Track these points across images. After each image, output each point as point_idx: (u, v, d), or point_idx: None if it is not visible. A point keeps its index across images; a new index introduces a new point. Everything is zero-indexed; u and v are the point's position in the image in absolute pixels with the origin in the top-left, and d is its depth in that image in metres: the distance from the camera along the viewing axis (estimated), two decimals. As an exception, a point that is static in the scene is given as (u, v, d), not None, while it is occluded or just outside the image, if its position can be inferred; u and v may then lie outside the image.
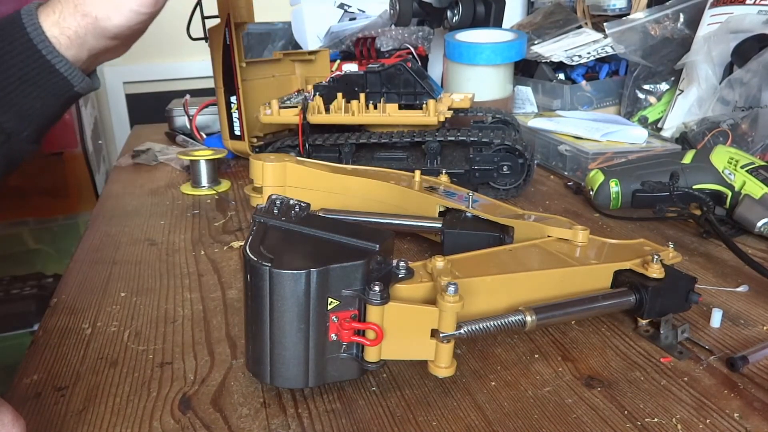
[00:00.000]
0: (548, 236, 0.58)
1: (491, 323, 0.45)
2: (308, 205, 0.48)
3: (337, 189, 0.74)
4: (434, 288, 0.45)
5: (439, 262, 0.48)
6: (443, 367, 0.44)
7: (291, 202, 0.48)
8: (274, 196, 0.49)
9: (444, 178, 0.75)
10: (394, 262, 0.46)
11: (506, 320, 0.46)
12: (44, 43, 0.52)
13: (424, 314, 0.43)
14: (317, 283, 0.41)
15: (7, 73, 0.52)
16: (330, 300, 0.41)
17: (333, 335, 0.42)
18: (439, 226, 0.65)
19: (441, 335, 0.43)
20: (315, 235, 0.45)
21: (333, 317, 0.42)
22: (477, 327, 0.44)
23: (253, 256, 0.42)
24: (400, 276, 0.45)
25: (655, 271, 0.51)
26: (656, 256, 0.52)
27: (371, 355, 0.43)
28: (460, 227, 0.63)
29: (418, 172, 0.74)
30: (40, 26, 0.52)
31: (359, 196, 0.73)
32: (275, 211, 0.47)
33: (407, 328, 0.43)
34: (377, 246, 0.43)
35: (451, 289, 0.42)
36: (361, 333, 0.42)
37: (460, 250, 0.54)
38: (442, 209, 0.68)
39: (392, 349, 0.43)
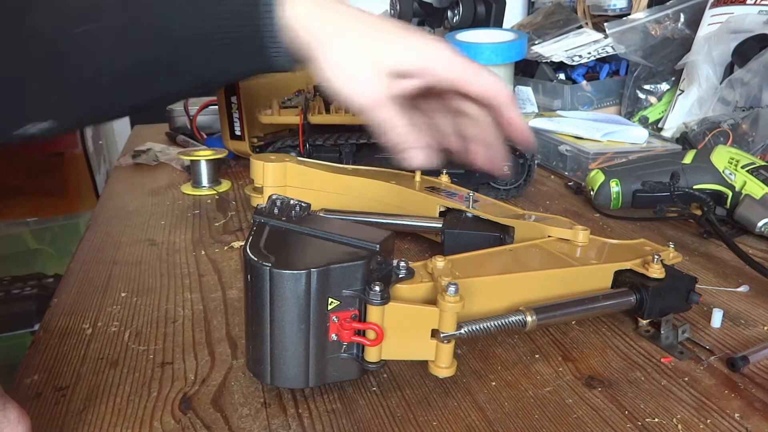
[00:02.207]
0: (549, 236, 0.58)
1: (492, 323, 0.45)
2: (309, 205, 0.48)
3: (338, 189, 0.74)
4: (434, 288, 0.45)
5: (439, 262, 0.48)
6: (443, 367, 0.44)
7: (291, 202, 0.48)
8: (274, 196, 0.49)
9: (444, 179, 0.75)
10: (395, 262, 0.46)
11: (507, 320, 0.46)
12: (273, 34, 0.48)
13: (425, 314, 0.43)
14: (318, 283, 0.41)
15: (221, 31, 0.49)
16: (330, 300, 0.41)
17: (333, 335, 0.42)
18: (440, 226, 0.65)
19: (441, 335, 0.43)
20: (315, 235, 0.45)
21: (333, 317, 0.42)
22: (477, 327, 0.44)
23: (253, 256, 0.42)
24: (400, 276, 0.45)
25: (656, 272, 0.51)
26: (657, 257, 0.52)
27: (371, 355, 0.43)
28: (461, 227, 0.63)
29: (418, 172, 0.74)
30: (279, 11, 0.48)
31: (360, 196, 0.73)
32: (275, 211, 0.47)
33: (407, 328, 0.43)
34: (377, 246, 0.43)
35: (452, 289, 0.42)
36: (361, 333, 0.42)
37: (461, 250, 0.54)
38: (442, 209, 0.68)
39: (392, 349, 0.43)
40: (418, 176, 0.74)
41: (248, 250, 0.42)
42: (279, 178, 0.74)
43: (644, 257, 0.53)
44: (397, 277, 0.45)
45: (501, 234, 0.62)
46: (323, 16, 0.51)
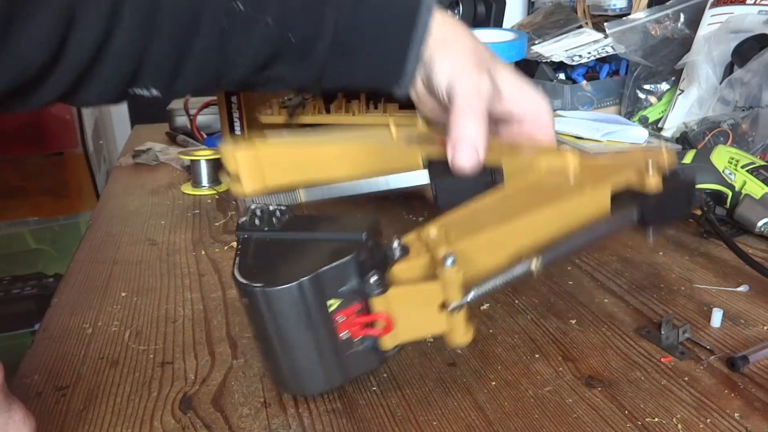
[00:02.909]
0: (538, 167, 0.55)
1: (498, 281, 0.43)
2: (288, 207, 0.47)
3: (315, 162, 0.70)
4: (432, 260, 0.44)
5: (432, 230, 0.46)
6: (461, 335, 0.43)
7: (271, 208, 0.47)
8: (253, 206, 0.48)
9: (420, 123, 0.70)
10: (393, 239, 0.44)
11: (513, 273, 0.44)
12: (417, 52, 0.53)
13: (428, 292, 0.42)
14: (312, 290, 0.40)
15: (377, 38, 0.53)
16: (330, 302, 0.41)
17: (342, 334, 0.42)
18: (426, 180, 0.62)
19: (450, 307, 0.42)
20: (301, 239, 0.44)
21: (338, 317, 0.41)
22: (485, 288, 0.43)
23: (242, 279, 0.41)
24: (396, 257, 0.44)
25: (653, 184, 0.48)
26: (652, 165, 0.49)
27: (386, 342, 0.42)
28: (450, 176, 0.60)
29: (392, 121, 0.67)
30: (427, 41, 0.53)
31: (339, 163, 0.69)
32: (257, 222, 0.46)
33: (415, 308, 0.42)
34: (363, 235, 0.42)
35: (449, 261, 0.40)
36: (370, 325, 0.42)
37: (454, 200, 0.51)
38: (426, 161, 0.64)
39: (406, 332, 0.43)
40: (392, 125, 0.69)
41: (237, 272, 0.42)
42: (252, 164, 0.71)
43: (639, 167, 0.50)
44: (393, 258, 0.44)
45: (491, 174, 0.60)
46: (451, 28, 0.54)
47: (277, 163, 0.71)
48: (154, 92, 0.50)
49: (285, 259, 0.43)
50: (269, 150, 0.70)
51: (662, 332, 0.51)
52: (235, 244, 0.73)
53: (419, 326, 0.43)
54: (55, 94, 0.45)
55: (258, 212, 0.47)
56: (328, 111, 0.93)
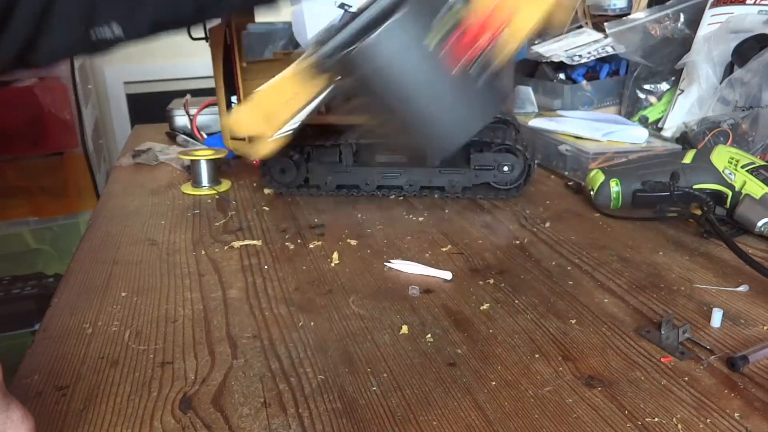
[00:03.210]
0: None
1: None
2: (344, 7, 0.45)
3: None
4: None
5: None
6: (562, 14, 0.42)
7: (328, 25, 0.45)
8: (313, 39, 0.45)
9: None
10: None
11: None
12: None
13: None
14: (407, 29, 0.38)
15: None
16: (432, 33, 0.39)
17: (456, 65, 0.39)
18: None
19: None
20: (372, 15, 0.41)
21: (443, 49, 0.39)
22: None
23: (334, 56, 0.39)
24: None
25: None
26: None
27: (502, 51, 0.40)
28: None
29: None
30: None
31: None
32: (322, 42, 0.43)
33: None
34: None
35: None
36: (477, 40, 0.40)
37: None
38: None
39: (515, 30, 0.41)
40: None
41: (323, 62, 0.40)
42: (257, 114, 0.66)
43: None
44: None
45: None
46: None
47: (278, 101, 0.67)
48: (116, 30, 0.49)
49: (367, 28, 0.40)
50: (266, 93, 0.67)
51: (662, 332, 0.51)
52: (235, 243, 0.73)
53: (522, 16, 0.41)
54: (18, 43, 0.45)
55: (321, 36, 0.44)
56: (328, 110, 0.93)
